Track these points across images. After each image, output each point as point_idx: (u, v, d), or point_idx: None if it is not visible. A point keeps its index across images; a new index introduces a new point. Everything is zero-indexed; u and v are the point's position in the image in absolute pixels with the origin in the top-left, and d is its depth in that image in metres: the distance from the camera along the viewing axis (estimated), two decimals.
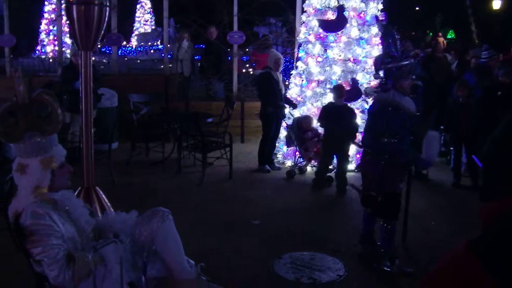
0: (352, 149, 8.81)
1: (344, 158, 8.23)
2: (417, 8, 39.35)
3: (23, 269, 3.73)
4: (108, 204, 4.76)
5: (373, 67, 9.16)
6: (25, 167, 3.46)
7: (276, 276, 5.37)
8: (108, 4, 4.59)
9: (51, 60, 16.51)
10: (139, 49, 19.91)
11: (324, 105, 8.65)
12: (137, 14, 23.72)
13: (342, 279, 5.31)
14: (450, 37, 29.84)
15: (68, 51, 13.59)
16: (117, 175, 8.41)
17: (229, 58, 12.33)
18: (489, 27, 27.53)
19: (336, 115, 8.07)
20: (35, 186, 3.46)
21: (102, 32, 4.56)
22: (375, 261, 5.55)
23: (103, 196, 4.82)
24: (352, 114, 8.20)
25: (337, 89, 8.32)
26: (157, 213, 3.86)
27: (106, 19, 4.47)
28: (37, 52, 18.24)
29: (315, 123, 9.00)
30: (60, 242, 3.36)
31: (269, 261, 5.64)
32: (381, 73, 6.24)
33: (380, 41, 9.19)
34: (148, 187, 8.20)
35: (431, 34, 24.27)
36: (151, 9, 23.46)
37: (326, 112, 8.26)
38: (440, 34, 16.23)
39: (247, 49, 14.99)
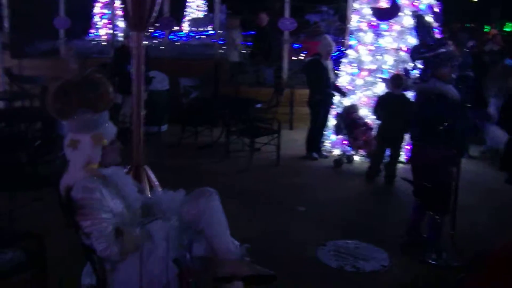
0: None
1: (397, 149, 8.13)
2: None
3: (73, 243, 3.82)
4: (157, 183, 4.83)
5: None
6: (76, 142, 3.53)
7: (319, 262, 5.38)
8: None
9: (104, 43, 16.76)
10: (190, 34, 20.00)
11: (380, 94, 8.53)
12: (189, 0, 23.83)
13: (386, 270, 5.28)
14: (509, 30, 29.06)
15: (121, 34, 13.74)
16: (166, 157, 8.53)
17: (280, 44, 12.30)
18: None
19: (393, 105, 7.94)
20: (86, 161, 3.53)
21: (155, 14, 4.61)
22: (421, 253, 5.49)
23: (152, 175, 4.90)
24: (410, 104, 8.06)
25: (395, 79, 8.19)
26: (204, 192, 3.89)
27: (160, 1, 4.52)
28: (90, 35, 18.50)
29: (365, 112, 8.92)
30: (109, 216, 3.43)
31: (313, 247, 5.65)
32: (419, 64, 6.16)
33: (439, 32, 9.08)
34: (196, 170, 8.29)
35: (487, 27, 23.69)
36: None
37: (383, 102, 8.14)
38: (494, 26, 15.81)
39: (298, 37, 14.92)
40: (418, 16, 6.92)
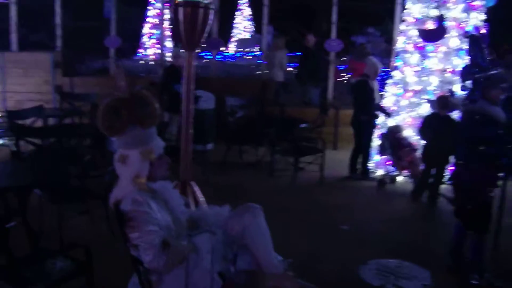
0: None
1: (442, 170, 8.10)
2: None
3: (119, 255, 3.96)
4: (202, 198, 4.97)
5: None
6: (125, 158, 3.69)
7: (361, 281, 5.42)
8: (213, 7, 4.81)
9: (152, 63, 17.17)
10: (237, 54, 20.31)
11: (425, 115, 8.53)
12: (236, 21, 24.18)
13: None
14: None
15: (169, 54, 14.08)
16: (212, 174, 8.67)
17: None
18: None
19: (439, 126, 7.92)
20: (135, 175, 3.68)
21: (206, 34, 4.79)
22: (463, 273, 5.48)
23: (198, 190, 5.04)
24: (455, 125, 8.03)
25: (441, 100, 8.18)
26: (249, 208, 4.00)
27: (211, 22, 4.68)
28: (139, 54, 18.96)
29: (409, 133, 8.93)
30: (156, 228, 3.55)
31: (355, 266, 5.69)
32: (469, 84, 6.16)
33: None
34: (241, 187, 8.41)
35: None
36: (251, 16, 23.83)
37: (428, 123, 8.14)
38: None
39: (342, 58, 15.00)
40: (471, 37, 6.92)
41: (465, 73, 6.26)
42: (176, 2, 4.59)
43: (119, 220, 3.64)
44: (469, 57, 6.73)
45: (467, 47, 7.02)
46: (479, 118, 5.37)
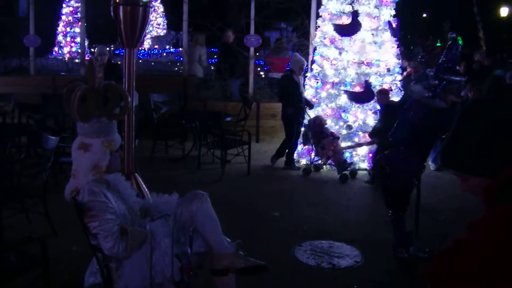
0: (365, 148, 9.28)
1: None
2: (424, 15, 39.71)
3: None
4: (146, 190, 5.15)
5: (386, 70, 9.62)
6: (88, 146, 3.87)
7: (297, 261, 5.77)
8: (151, 6, 4.98)
9: (67, 60, 16.95)
10: (153, 52, 20.27)
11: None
12: (150, 17, 24.07)
13: (359, 265, 5.71)
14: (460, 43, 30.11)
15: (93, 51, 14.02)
16: (139, 169, 8.77)
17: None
18: (496, 34, 27.86)
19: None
20: (94, 164, 3.87)
21: (146, 31, 4.97)
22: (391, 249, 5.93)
23: (142, 182, 5.21)
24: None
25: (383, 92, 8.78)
26: (196, 195, 4.27)
27: (150, 20, 4.85)
28: (53, 53, 18.65)
29: (329, 123, 9.41)
30: (113, 217, 3.75)
31: (290, 248, 6.04)
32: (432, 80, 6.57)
33: (396, 46, 9.69)
34: (171, 181, 8.56)
35: (439, 43, 24.57)
36: (164, 13, 23.80)
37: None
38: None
39: (257, 53, 15.34)
40: (453, 39, 7.30)
41: (438, 71, 6.63)
42: (117, 1, 4.74)
43: (77, 210, 3.81)
44: (444, 54, 7.09)
45: (448, 45, 7.34)
46: (437, 111, 5.79)
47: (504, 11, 29.08)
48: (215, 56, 14.44)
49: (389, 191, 5.88)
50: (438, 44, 23.47)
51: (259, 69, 14.35)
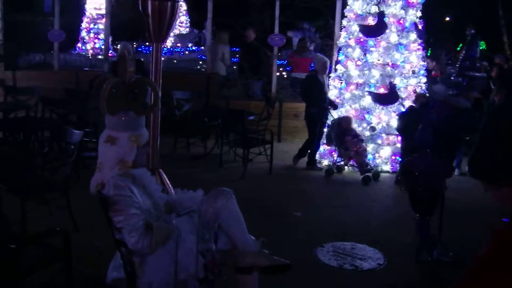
0: (388, 150, 9.18)
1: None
2: (447, 19, 39.38)
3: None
4: (170, 186, 5.15)
5: (410, 72, 9.53)
6: (115, 139, 3.86)
7: (319, 262, 5.72)
8: (179, 0, 4.98)
9: (90, 57, 17.07)
10: (175, 50, 20.33)
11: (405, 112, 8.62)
12: None
13: (382, 267, 5.65)
14: (481, 48, 29.82)
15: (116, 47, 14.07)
16: (160, 166, 8.78)
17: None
18: None
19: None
20: (121, 158, 3.86)
21: (175, 26, 4.97)
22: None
23: (166, 178, 5.22)
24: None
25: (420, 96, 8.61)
26: (222, 192, 4.23)
27: (179, 15, 4.85)
28: (77, 49, 18.78)
29: (354, 124, 9.33)
30: (139, 212, 3.73)
31: (312, 249, 5.99)
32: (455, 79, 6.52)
33: (419, 47, 9.58)
34: (192, 178, 8.54)
35: (460, 45, 24.34)
36: (187, 11, 23.86)
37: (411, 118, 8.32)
38: None
39: (279, 53, 15.31)
40: (472, 35, 7.22)
41: (462, 68, 6.60)
42: None
43: (102, 204, 3.80)
44: (465, 51, 7.04)
45: (468, 42, 7.28)
46: (460, 111, 5.71)
47: None
48: (237, 55, 14.43)
49: (416, 195, 5.81)
50: (458, 49, 23.29)
51: (281, 69, 14.31)
